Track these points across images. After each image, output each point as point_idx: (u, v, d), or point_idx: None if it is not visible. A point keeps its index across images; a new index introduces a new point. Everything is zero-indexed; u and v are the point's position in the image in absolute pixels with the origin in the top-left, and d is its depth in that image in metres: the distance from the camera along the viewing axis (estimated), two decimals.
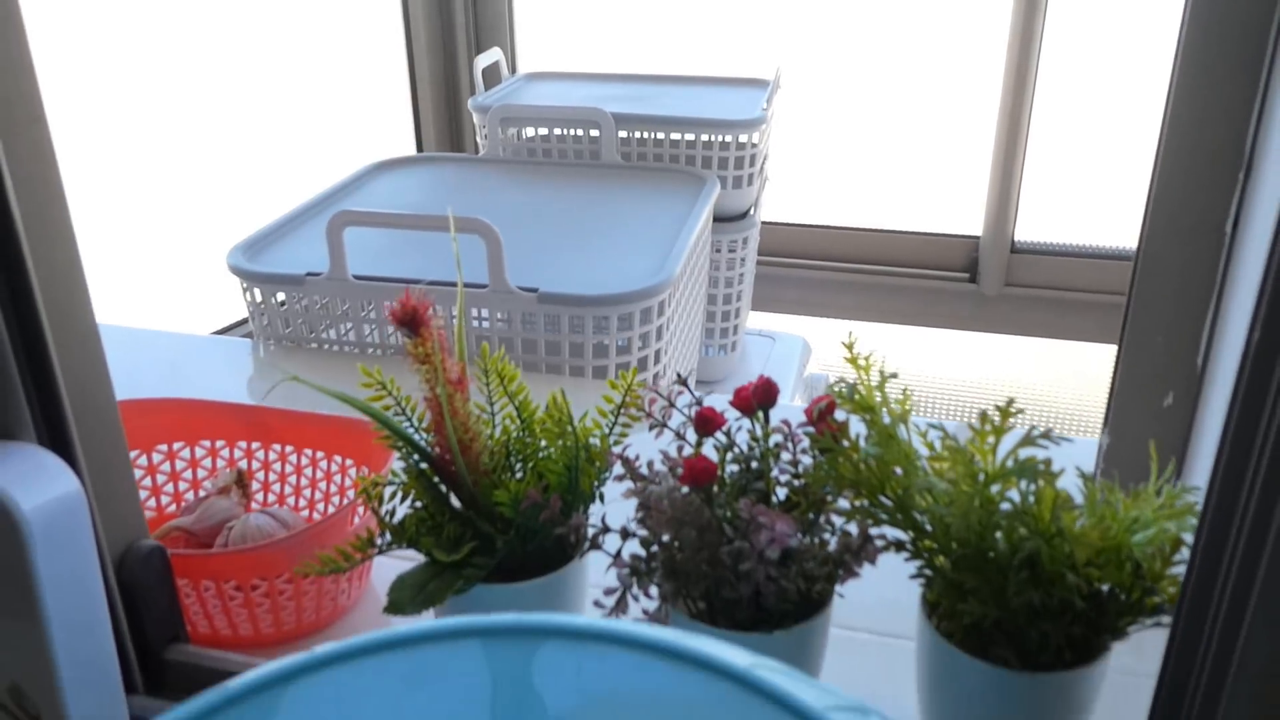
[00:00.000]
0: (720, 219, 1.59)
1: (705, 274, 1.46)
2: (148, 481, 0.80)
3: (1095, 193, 1.98)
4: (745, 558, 0.55)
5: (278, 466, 0.83)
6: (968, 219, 1.93)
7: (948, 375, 2.24)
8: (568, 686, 0.31)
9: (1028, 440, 0.50)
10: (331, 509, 0.81)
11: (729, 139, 1.57)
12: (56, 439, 0.54)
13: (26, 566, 0.49)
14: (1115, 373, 0.76)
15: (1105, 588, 0.53)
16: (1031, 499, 0.52)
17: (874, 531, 0.56)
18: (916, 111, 2.01)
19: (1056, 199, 1.92)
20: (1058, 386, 2.12)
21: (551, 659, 0.32)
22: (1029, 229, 1.88)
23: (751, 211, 1.64)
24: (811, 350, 1.84)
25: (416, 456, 0.62)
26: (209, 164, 1.72)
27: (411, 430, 0.63)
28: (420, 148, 2.04)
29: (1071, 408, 2.09)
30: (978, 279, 1.95)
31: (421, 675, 0.33)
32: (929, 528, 0.55)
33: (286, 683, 0.32)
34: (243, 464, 0.83)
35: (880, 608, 0.75)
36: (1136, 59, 1.81)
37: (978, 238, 1.92)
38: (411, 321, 0.53)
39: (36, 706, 0.56)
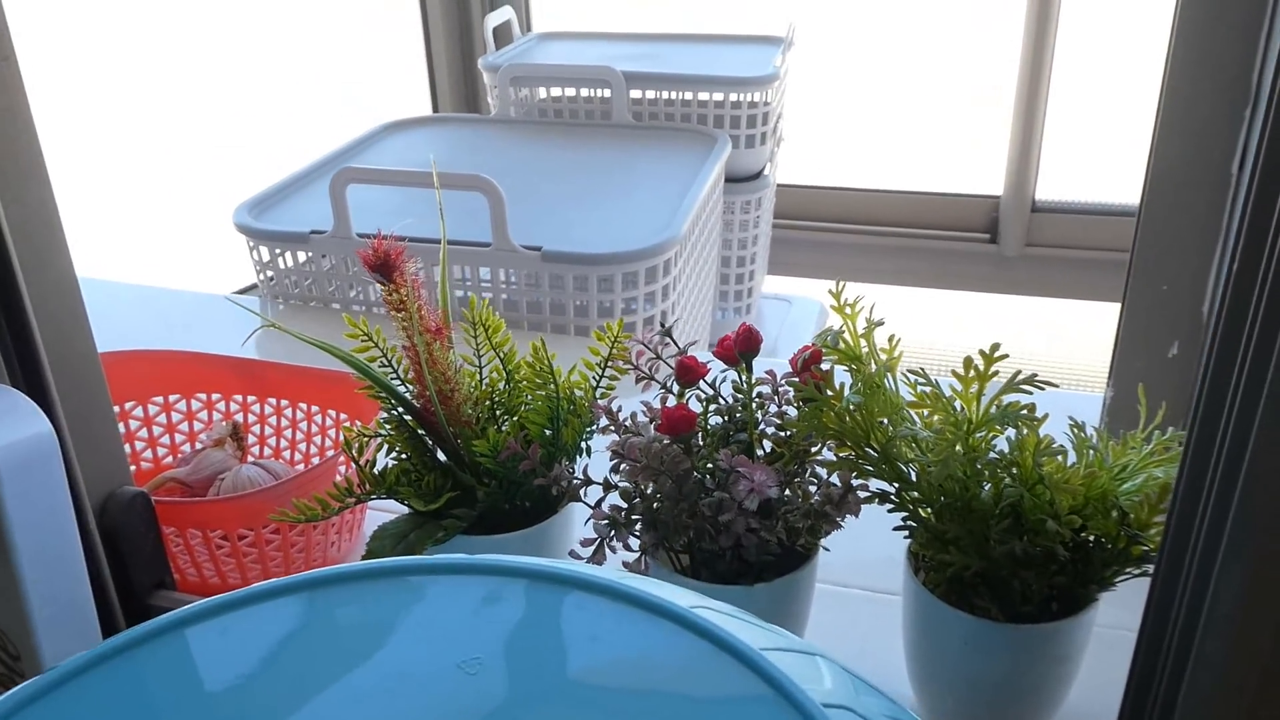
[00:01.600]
0: (733, 179, 1.57)
1: (717, 235, 1.45)
2: (144, 433, 0.81)
3: (1116, 149, 1.94)
4: (725, 509, 0.54)
5: (273, 420, 0.83)
6: (987, 178, 1.89)
7: (968, 339, 2.22)
8: (502, 621, 0.31)
9: (1011, 386, 0.49)
10: None
11: (741, 98, 1.55)
12: (32, 385, 0.53)
13: None
14: (1119, 323, 0.74)
15: (1091, 538, 0.52)
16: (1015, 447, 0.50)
17: (858, 483, 0.55)
18: (934, 69, 1.97)
19: (1078, 156, 1.88)
20: (1079, 348, 2.09)
21: (489, 595, 0.32)
22: (1050, 188, 1.85)
23: (765, 171, 1.62)
24: (828, 314, 1.82)
25: (398, 407, 0.61)
26: (235, 130, 1.73)
27: (397, 382, 0.62)
28: (435, 108, 2.03)
29: (1093, 369, 2.06)
30: (998, 239, 1.91)
31: (364, 608, 0.32)
32: (913, 478, 0.54)
33: (233, 609, 0.32)
34: (238, 417, 0.83)
35: (873, 564, 0.74)
36: (1158, 14, 1.77)
37: (998, 197, 1.89)
38: (383, 267, 0.52)
39: (17, 648, 0.56)
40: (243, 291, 1.33)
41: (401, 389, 0.62)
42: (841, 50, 1.98)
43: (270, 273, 1.18)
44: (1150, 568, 0.51)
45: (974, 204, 1.94)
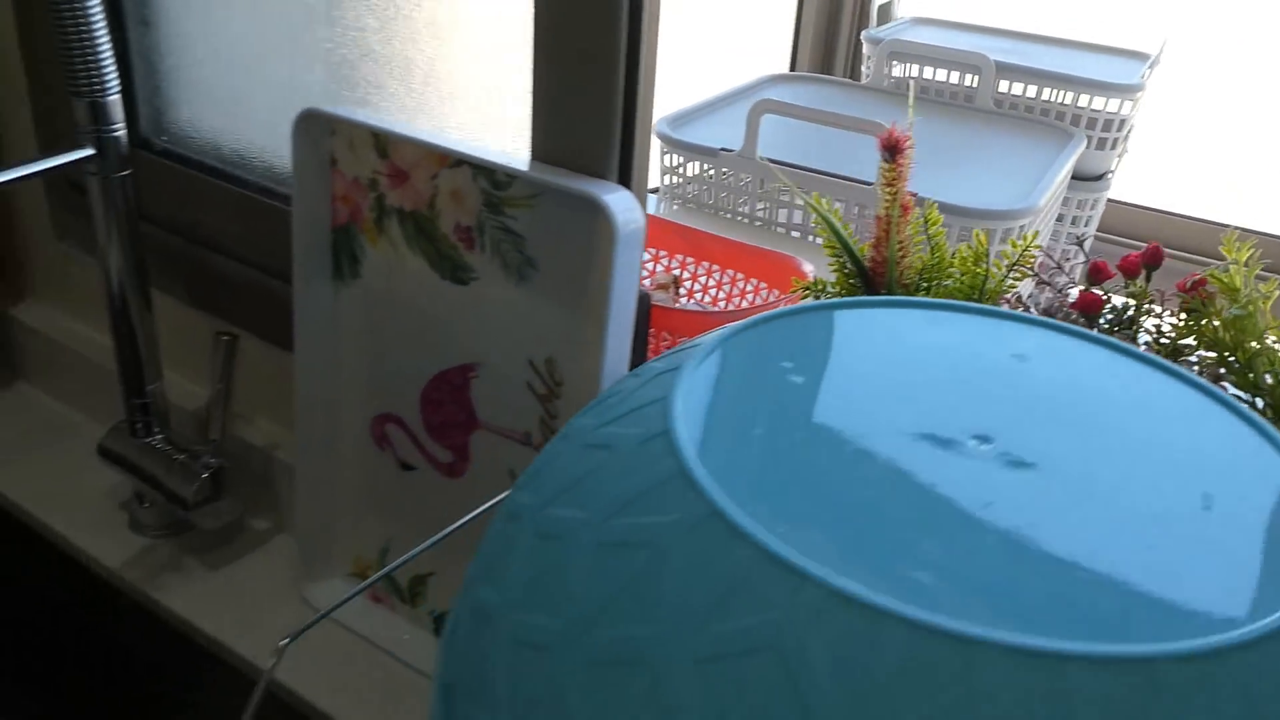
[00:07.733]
0: (1075, 177, 1.68)
1: (1051, 226, 1.57)
2: None
3: None
4: None
5: (702, 279, 1.05)
6: None
7: None
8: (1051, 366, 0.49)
9: None
10: None
11: (1101, 104, 1.65)
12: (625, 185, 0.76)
13: (609, 271, 0.71)
14: None
15: None
16: None
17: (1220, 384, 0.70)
18: None
19: None
20: None
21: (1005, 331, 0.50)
22: None
23: (1107, 176, 1.71)
24: None
25: (849, 264, 0.81)
26: None
27: None
28: (793, 68, 2.23)
29: None
30: None
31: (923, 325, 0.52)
32: (1269, 386, 0.68)
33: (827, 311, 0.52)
34: (677, 271, 1.06)
35: None
36: None
37: None
38: (894, 147, 0.72)
39: (563, 377, 0.80)
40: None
41: None
42: (1207, 78, 2.02)
43: (676, 179, 1.42)
44: None
45: None
